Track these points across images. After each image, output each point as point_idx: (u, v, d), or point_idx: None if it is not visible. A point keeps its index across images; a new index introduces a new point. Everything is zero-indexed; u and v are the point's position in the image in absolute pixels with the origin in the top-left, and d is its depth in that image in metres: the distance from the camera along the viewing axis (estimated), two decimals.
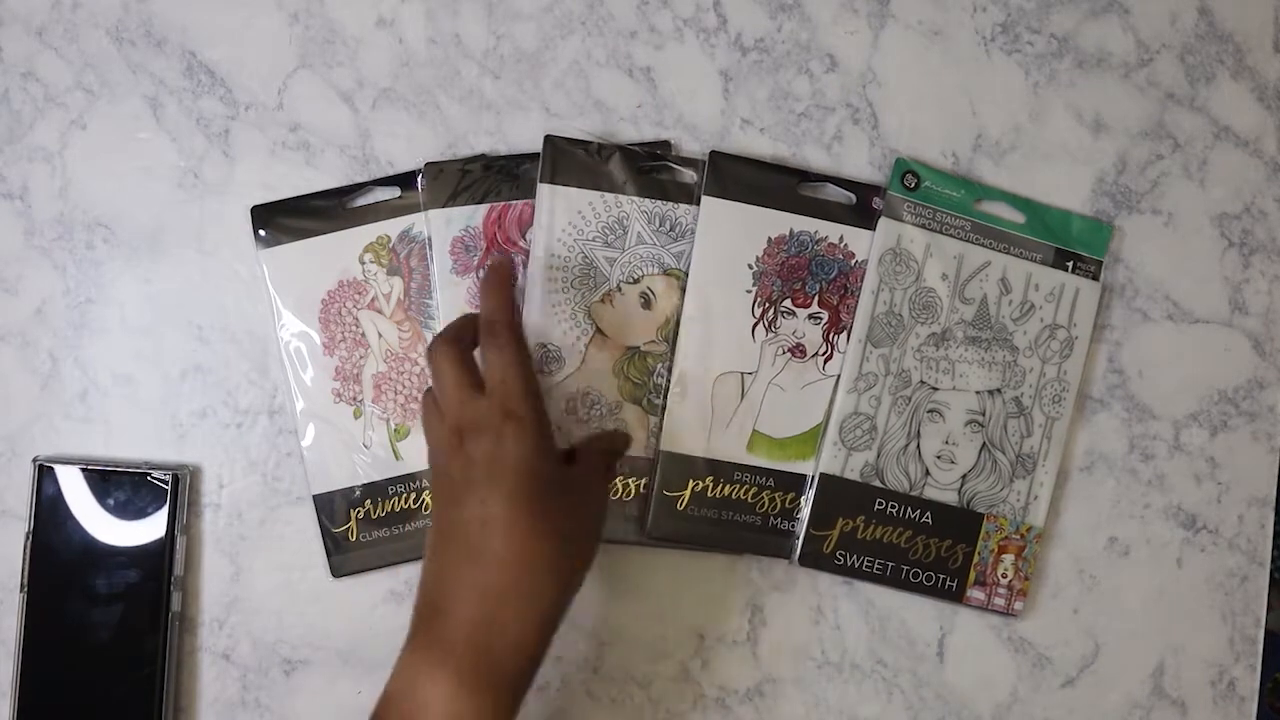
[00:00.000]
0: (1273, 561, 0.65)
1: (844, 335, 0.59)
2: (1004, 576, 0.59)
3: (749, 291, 0.58)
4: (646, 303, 0.56)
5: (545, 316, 0.56)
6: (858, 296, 0.59)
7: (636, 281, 0.57)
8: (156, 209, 0.59)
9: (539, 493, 0.45)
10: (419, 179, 0.58)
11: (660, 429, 0.58)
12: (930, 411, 0.59)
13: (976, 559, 0.59)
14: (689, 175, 0.57)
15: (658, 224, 0.57)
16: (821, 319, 0.59)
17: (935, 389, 0.59)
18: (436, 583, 0.46)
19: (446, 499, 0.47)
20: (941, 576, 0.59)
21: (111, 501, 0.56)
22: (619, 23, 0.60)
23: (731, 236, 0.58)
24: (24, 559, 0.56)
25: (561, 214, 0.56)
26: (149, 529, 0.56)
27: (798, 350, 0.59)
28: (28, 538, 0.56)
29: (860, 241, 0.59)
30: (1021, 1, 0.61)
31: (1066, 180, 0.61)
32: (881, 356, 0.59)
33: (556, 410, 0.56)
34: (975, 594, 0.59)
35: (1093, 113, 0.61)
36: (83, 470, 0.56)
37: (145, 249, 0.59)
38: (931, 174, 0.59)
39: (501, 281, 0.52)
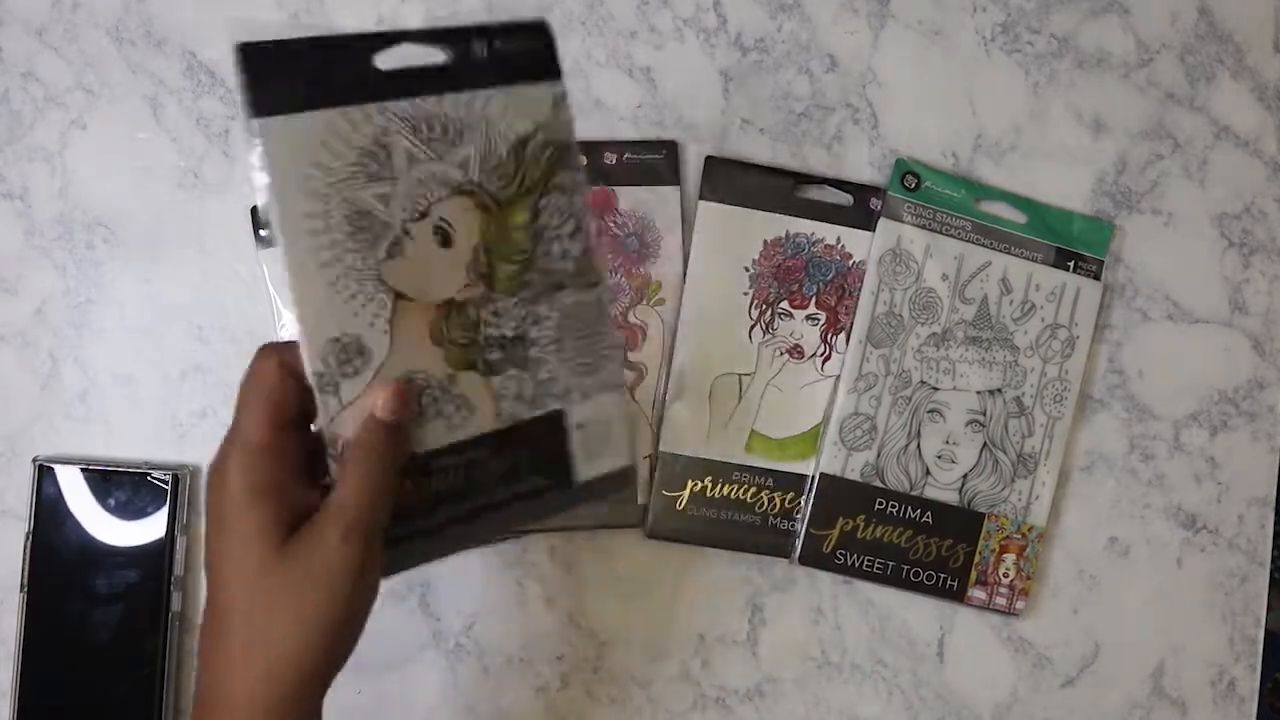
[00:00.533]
0: (1273, 561, 0.65)
1: (842, 336, 0.59)
2: (1005, 576, 0.59)
3: (745, 294, 0.58)
4: (445, 239, 0.43)
5: (323, 301, 0.41)
6: (855, 297, 0.59)
7: (424, 215, 0.42)
8: (156, 209, 0.59)
9: (238, 579, 0.39)
10: None
11: (658, 430, 0.58)
12: (931, 411, 0.59)
13: (978, 559, 0.59)
14: (442, 52, 0.43)
15: (426, 130, 0.42)
16: (819, 320, 0.59)
17: (936, 389, 0.59)
18: None
19: None
20: (942, 576, 0.59)
21: (111, 501, 0.56)
22: (619, 23, 0.60)
23: (727, 240, 0.58)
24: (24, 559, 0.56)
25: (296, 153, 0.40)
26: (149, 529, 0.56)
27: (795, 351, 0.59)
28: (28, 538, 0.56)
29: (858, 242, 0.59)
30: (1021, 1, 0.61)
31: (1067, 180, 0.61)
32: (882, 357, 0.59)
33: None
34: (977, 593, 0.59)
35: (1093, 113, 0.61)
36: (83, 470, 0.56)
37: (145, 249, 0.59)
38: (932, 174, 0.59)
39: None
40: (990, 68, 0.61)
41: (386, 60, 0.42)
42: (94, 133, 0.59)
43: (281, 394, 0.41)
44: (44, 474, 0.56)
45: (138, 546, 0.56)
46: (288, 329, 0.58)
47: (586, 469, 0.47)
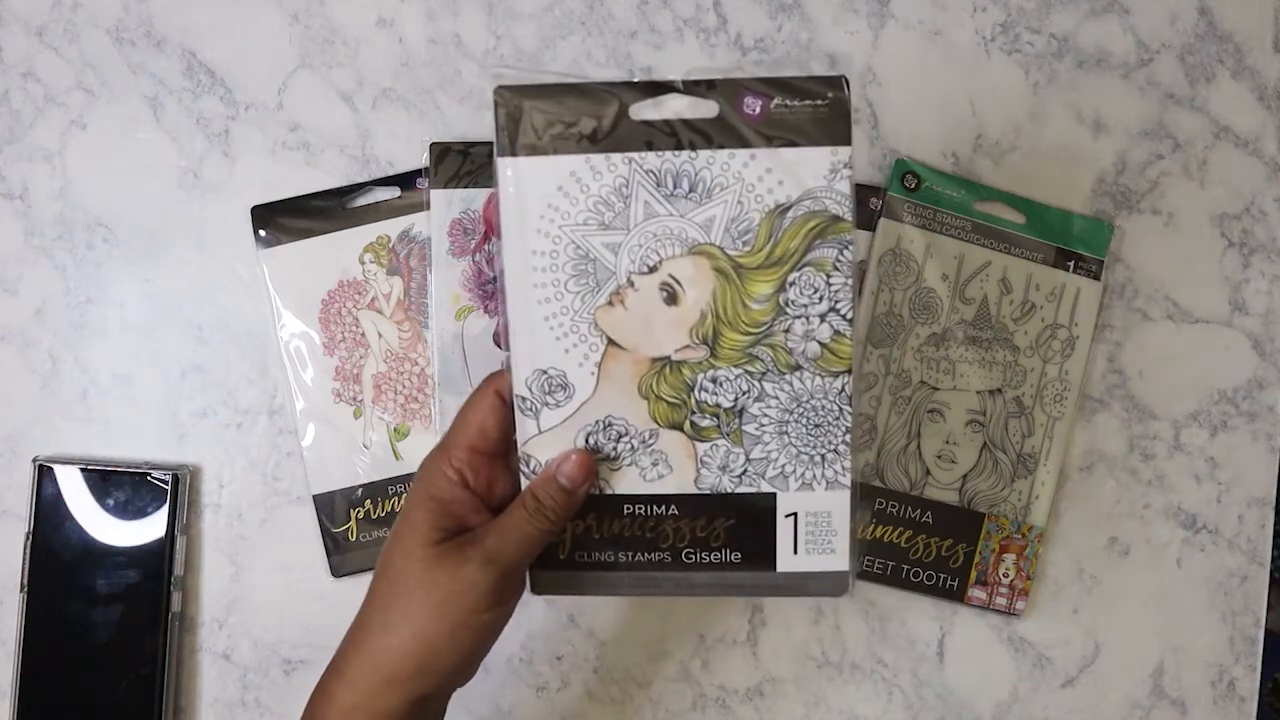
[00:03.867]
0: (1273, 561, 0.65)
1: None
2: (1005, 576, 0.59)
3: None
4: (671, 296, 0.42)
5: (535, 335, 0.43)
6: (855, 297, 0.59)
7: (654, 270, 0.42)
8: (156, 209, 0.59)
9: (389, 577, 0.43)
10: (425, 155, 0.58)
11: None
12: (930, 411, 0.59)
13: (978, 559, 0.59)
14: (708, 106, 0.41)
15: (671, 185, 0.42)
16: None
17: (935, 389, 0.59)
18: None
19: None
20: (942, 576, 0.59)
21: (111, 501, 0.56)
22: (619, 23, 0.60)
23: None
24: (24, 559, 0.56)
25: (535, 194, 0.42)
26: (149, 529, 0.56)
27: None
28: (28, 538, 0.56)
29: (857, 242, 0.59)
30: (1021, 1, 0.61)
31: (1066, 180, 0.61)
32: (881, 357, 0.59)
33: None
34: (977, 593, 0.59)
35: (1093, 113, 0.61)
36: (83, 470, 0.56)
37: (145, 249, 0.59)
38: (932, 174, 0.59)
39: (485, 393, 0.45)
40: (990, 68, 0.61)
41: (647, 110, 0.41)
42: (94, 133, 0.59)
43: (490, 422, 0.44)
44: (44, 474, 0.56)
45: (138, 546, 0.56)
46: (286, 328, 0.58)
47: (793, 561, 0.44)
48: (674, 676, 0.59)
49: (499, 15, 0.60)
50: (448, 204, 0.58)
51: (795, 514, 0.44)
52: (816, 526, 0.44)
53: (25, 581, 0.56)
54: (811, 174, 0.41)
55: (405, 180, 0.59)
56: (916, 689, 0.60)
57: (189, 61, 0.59)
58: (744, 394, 0.43)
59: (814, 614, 0.60)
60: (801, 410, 0.43)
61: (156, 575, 0.56)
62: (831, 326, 0.43)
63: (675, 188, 0.42)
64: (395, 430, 0.58)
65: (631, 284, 0.43)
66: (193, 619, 0.58)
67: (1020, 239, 0.59)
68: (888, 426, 0.58)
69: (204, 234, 0.59)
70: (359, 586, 0.59)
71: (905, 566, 0.59)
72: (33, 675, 0.56)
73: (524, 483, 0.44)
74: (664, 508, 0.44)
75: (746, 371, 0.43)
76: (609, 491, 0.44)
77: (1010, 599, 0.59)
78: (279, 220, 0.58)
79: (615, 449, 0.44)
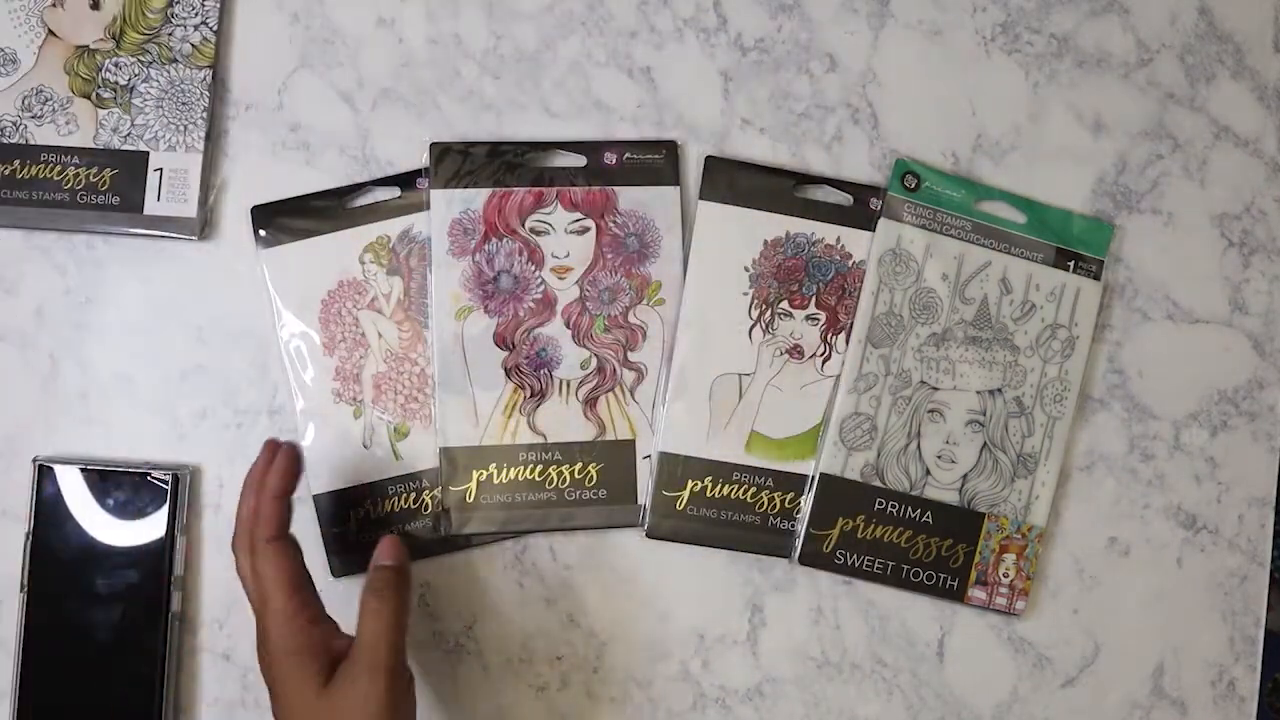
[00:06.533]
0: (1273, 561, 0.65)
1: (842, 336, 0.59)
2: (1005, 576, 0.59)
3: (745, 294, 0.58)
4: (95, 4, 0.58)
5: None
6: (855, 297, 0.59)
7: None
8: None
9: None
10: (425, 155, 0.58)
11: (657, 429, 0.58)
12: (931, 411, 0.59)
13: (978, 559, 0.59)
14: None
15: None
16: (819, 320, 0.59)
17: (935, 389, 0.59)
18: None
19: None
20: (942, 576, 0.59)
21: (111, 501, 0.56)
22: (619, 23, 0.60)
23: (727, 240, 0.58)
24: (24, 559, 0.56)
25: None
26: (149, 529, 0.56)
27: (795, 351, 0.59)
28: (28, 538, 0.56)
29: (858, 242, 0.59)
30: (1021, 1, 0.61)
31: (1066, 180, 0.61)
32: (882, 357, 0.59)
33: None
34: (977, 593, 0.59)
35: (1093, 113, 0.61)
36: (83, 470, 0.56)
37: (145, 248, 0.59)
38: (932, 174, 0.59)
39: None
40: (990, 68, 0.61)
41: None
42: None
43: (291, 555, 0.50)
44: (44, 474, 0.56)
45: (138, 546, 0.56)
46: (286, 328, 0.58)
47: (156, 206, 0.58)
48: (674, 676, 0.59)
49: (499, 15, 0.60)
50: (448, 204, 0.58)
51: (161, 169, 0.58)
52: (176, 180, 0.57)
53: (25, 582, 0.56)
54: None
55: (405, 180, 0.59)
56: (916, 689, 0.60)
57: None
58: (135, 75, 0.58)
59: (814, 614, 0.60)
60: (175, 91, 0.58)
61: (156, 575, 0.56)
62: (201, 35, 0.58)
63: None
64: (395, 430, 0.58)
65: None
66: (193, 619, 0.58)
67: (1020, 239, 0.59)
68: (888, 426, 0.58)
69: (204, 234, 0.59)
70: (359, 586, 0.59)
71: (905, 566, 0.59)
72: (33, 675, 0.56)
73: None
74: (70, 158, 0.57)
75: (139, 60, 0.58)
76: (34, 143, 0.57)
77: (1010, 599, 0.59)
78: (279, 220, 0.58)
79: (41, 109, 0.57)
